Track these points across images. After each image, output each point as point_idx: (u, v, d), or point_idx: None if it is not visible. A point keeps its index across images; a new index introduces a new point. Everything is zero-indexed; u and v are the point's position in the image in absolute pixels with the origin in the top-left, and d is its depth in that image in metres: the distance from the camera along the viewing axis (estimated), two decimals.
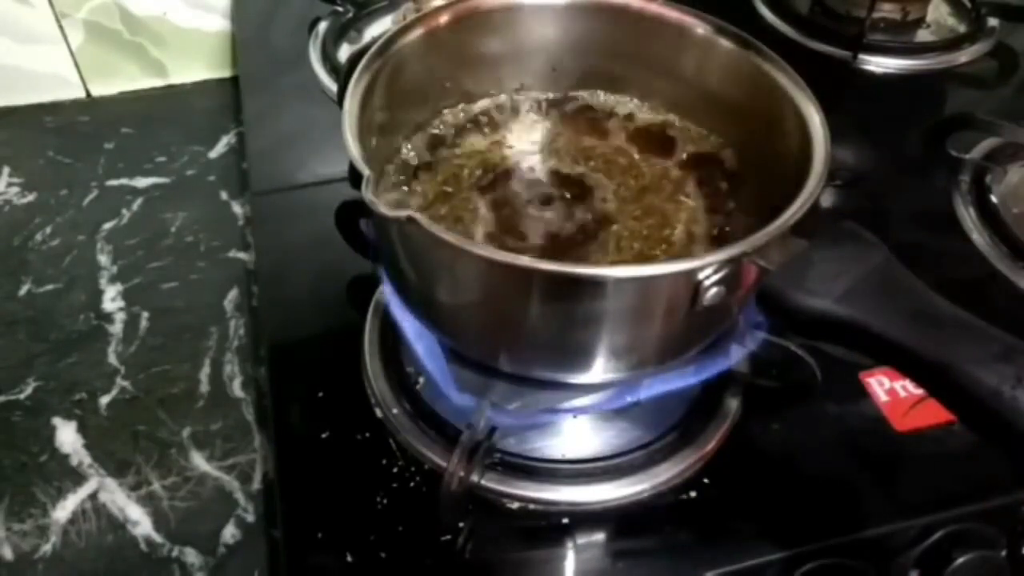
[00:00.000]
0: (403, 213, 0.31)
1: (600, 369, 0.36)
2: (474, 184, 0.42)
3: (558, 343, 0.35)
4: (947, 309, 0.29)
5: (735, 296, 0.33)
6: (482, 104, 0.46)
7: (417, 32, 0.41)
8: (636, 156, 0.44)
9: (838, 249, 0.31)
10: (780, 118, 0.39)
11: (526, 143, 0.45)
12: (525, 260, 0.31)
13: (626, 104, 0.47)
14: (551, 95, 0.47)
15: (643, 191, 0.43)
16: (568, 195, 0.42)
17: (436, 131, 0.45)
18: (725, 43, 0.42)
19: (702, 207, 0.42)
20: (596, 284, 0.31)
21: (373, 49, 0.39)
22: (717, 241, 0.40)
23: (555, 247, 0.39)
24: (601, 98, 0.47)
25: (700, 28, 0.43)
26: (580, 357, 0.36)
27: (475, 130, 0.45)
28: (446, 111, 0.45)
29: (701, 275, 0.31)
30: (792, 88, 0.39)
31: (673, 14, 0.43)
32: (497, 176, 0.43)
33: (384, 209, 0.31)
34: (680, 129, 0.46)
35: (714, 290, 0.31)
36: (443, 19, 0.42)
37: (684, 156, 0.44)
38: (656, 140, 0.45)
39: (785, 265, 0.31)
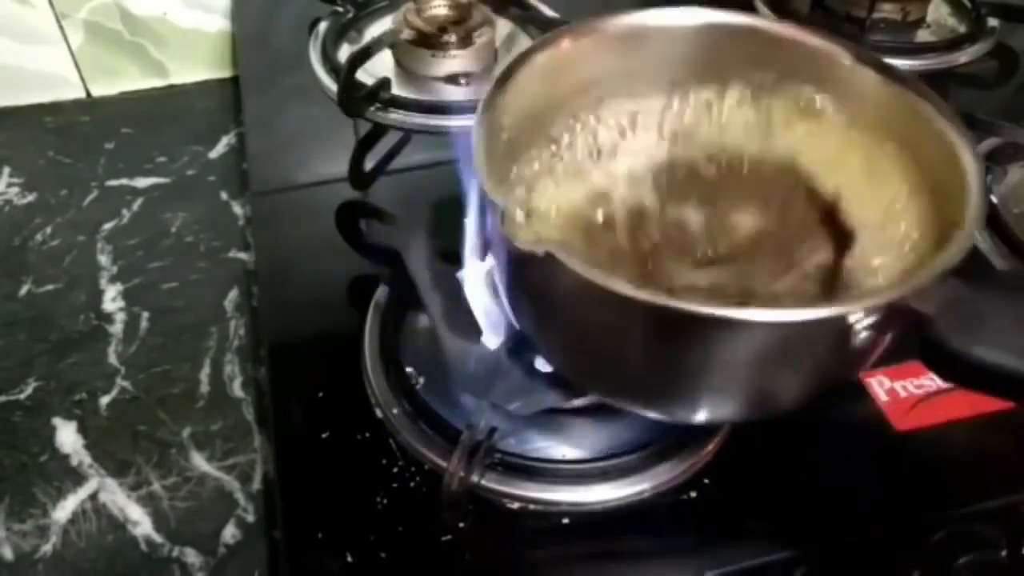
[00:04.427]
0: (543, 248, 0.29)
1: (730, 413, 0.35)
2: (600, 212, 0.41)
3: (687, 383, 0.33)
4: None
5: (885, 342, 0.31)
6: (606, 128, 0.44)
7: (540, 57, 0.39)
8: (762, 186, 0.42)
9: (1013, 296, 0.29)
10: (923, 148, 0.36)
11: (646, 170, 0.43)
12: (660, 297, 0.28)
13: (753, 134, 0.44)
14: (675, 122, 0.44)
15: (771, 222, 0.41)
16: (694, 223, 0.41)
17: (559, 157, 0.43)
18: (866, 71, 0.39)
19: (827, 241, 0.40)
20: (738, 325, 0.29)
21: (498, 75, 0.37)
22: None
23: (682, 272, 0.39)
24: (727, 129, 0.44)
25: (846, 58, 0.39)
26: (708, 399, 0.34)
27: (596, 155, 0.43)
28: (567, 137, 0.43)
29: (852, 319, 0.28)
30: (936, 117, 0.36)
31: (815, 40, 0.40)
32: (623, 205, 0.42)
33: (523, 244, 0.30)
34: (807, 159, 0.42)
35: (864, 335, 0.29)
36: (564, 43, 0.40)
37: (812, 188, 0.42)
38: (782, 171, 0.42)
39: (951, 312, 0.28)
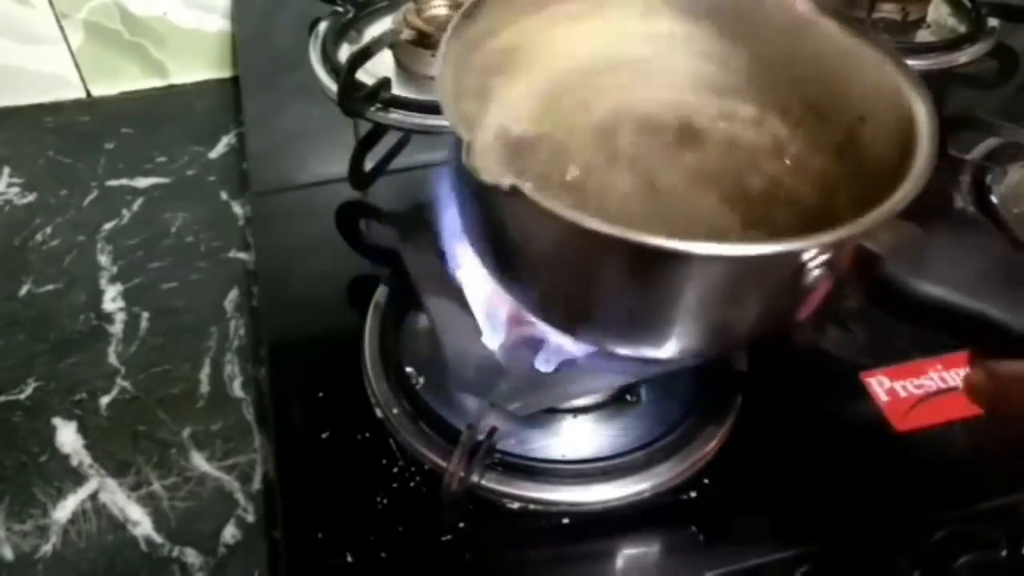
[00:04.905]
0: (508, 181, 0.29)
1: (689, 346, 0.35)
2: (569, 148, 0.41)
3: (650, 316, 0.34)
4: None
5: (838, 280, 0.31)
6: (574, 63, 0.44)
7: None
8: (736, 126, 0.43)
9: (956, 235, 0.30)
10: (873, 94, 0.37)
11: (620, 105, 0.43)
12: (638, 234, 0.29)
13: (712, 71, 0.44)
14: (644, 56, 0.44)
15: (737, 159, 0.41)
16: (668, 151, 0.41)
17: (531, 94, 0.42)
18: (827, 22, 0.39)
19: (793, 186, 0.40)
20: (698, 259, 0.30)
21: (462, 11, 0.37)
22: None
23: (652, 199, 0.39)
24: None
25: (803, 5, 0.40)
26: (670, 332, 0.34)
27: (564, 92, 0.43)
28: (538, 73, 0.43)
29: (806, 256, 0.29)
30: (889, 62, 0.37)
31: None
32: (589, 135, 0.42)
33: (487, 176, 0.30)
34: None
35: (817, 272, 0.30)
36: None
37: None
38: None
39: (899, 250, 0.29)
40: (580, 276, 0.34)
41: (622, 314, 0.34)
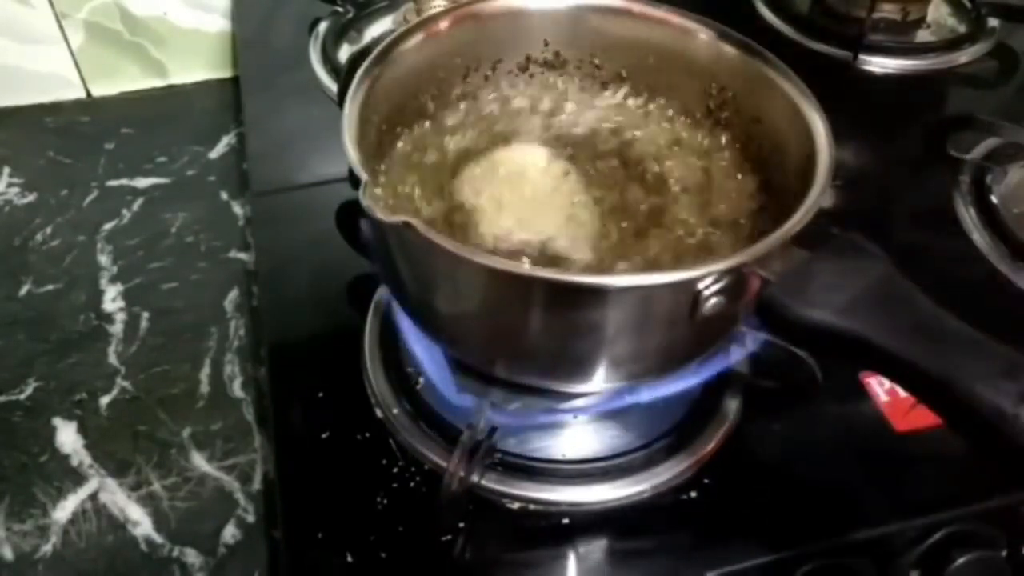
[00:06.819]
0: (399, 219, 0.30)
1: (599, 378, 0.36)
2: (474, 182, 0.42)
3: (553, 350, 0.35)
4: (951, 323, 0.29)
5: (735, 307, 0.32)
6: (483, 105, 0.46)
7: (417, 37, 0.41)
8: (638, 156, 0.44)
9: (840, 260, 0.31)
10: (784, 126, 0.38)
11: (528, 141, 0.45)
12: (519, 267, 0.31)
13: (626, 104, 0.46)
14: (551, 98, 0.47)
15: (645, 191, 0.42)
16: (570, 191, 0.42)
17: (437, 133, 0.44)
18: (729, 49, 0.41)
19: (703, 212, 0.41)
20: (591, 291, 0.31)
21: (374, 54, 0.39)
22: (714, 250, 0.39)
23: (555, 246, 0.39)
24: (604, 101, 0.47)
25: (703, 34, 0.42)
26: (576, 365, 0.35)
27: (476, 130, 0.45)
28: (447, 113, 0.45)
29: (700, 285, 0.30)
30: (797, 96, 0.38)
31: (676, 19, 0.43)
32: (498, 173, 0.43)
33: (381, 214, 0.31)
34: (683, 135, 0.45)
35: (714, 300, 0.31)
36: (443, 24, 0.42)
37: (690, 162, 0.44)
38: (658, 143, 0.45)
39: (786, 276, 0.30)
40: (474, 308, 0.35)
41: (523, 346, 0.35)
